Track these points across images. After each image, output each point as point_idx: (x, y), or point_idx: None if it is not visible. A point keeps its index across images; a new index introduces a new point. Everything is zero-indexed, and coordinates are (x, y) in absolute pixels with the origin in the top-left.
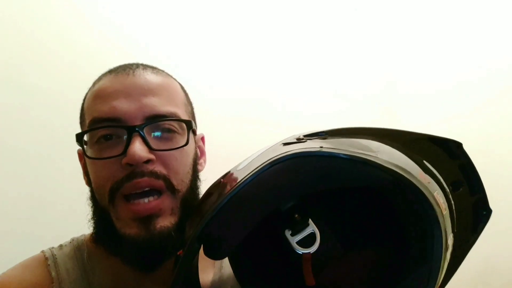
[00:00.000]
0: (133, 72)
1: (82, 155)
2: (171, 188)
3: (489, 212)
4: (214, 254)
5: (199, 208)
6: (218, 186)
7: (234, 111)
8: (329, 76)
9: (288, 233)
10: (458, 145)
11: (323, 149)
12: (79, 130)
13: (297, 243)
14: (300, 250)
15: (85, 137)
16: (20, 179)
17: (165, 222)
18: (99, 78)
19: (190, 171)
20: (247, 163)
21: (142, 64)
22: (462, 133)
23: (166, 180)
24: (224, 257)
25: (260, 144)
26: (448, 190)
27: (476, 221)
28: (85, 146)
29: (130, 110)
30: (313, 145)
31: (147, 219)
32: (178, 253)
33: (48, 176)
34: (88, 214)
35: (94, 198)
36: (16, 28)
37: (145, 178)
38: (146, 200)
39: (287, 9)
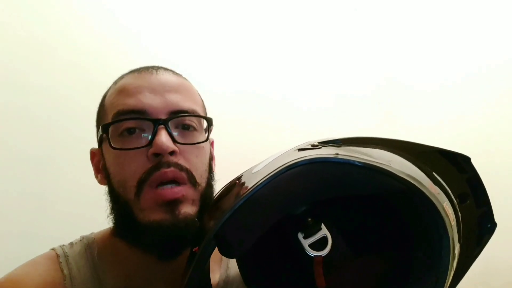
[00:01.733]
0: (156, 71)
1: (95, 154)
2: (192, 180)
3: (494, 225)
4: (228, 253)
5: (215, 206)
6: (233, 187)
7: (234, 110)
8: (329, 76)
9: (301, 236)
10: (467, 159)
11: (339, 156)
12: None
13: (309, 246)
14: (312, 253)
15: (109, 131)
16: (21, 178)
17: (188, 209)
18: (121, 77)
19: (207, 169)
20: (263, 166)
21: (162, 67)
22: (462, 133)
23: (189, 172)
24: (238, 256)
25: (261, 143)
26: (455, 202)
27: (481, 233)
28: (110, 139)
29: (155, 104)
30: (329, 152)
31: (172, 203)
32: (193, 250)
33: (50, 176)
34: (106, 210)
35: (114, 193)
36: (17, 28)
37: (172, 169)
38: (170, 186)
39: (287, 9)
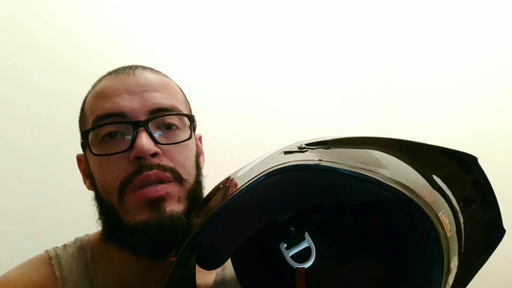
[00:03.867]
0: (133, 71)
1: (81, 160)
2: (178, 178)
3: (502, 232)
4: (207, 265)
5: (197, 212)
6: (216, 191)
7: (234, 109)
8: (329, 76)
9: (283, 247)
10: (473, 159)
11: (322, 163)
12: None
13: (292, 257)
14: (295, 265)
15: (89, 137)
16: (22, 178)
17: (174, 207)
18: (99, 80)
19: (194, 166)
20: (247, 169)
21: (141, 66)
22: (462, 132)
23: (173, 171)
24: (218, 267)
25: (259, 142)
26: (458, 207)
27: (488, 240)
28: (90, 146)
29: (134, 105)
30: (312, 157)
31: (156, 202)
32: (172, 260)
33: (51, 176)
34: (94, 215)
35: (99, 198)
36: (17, 28)
37: (154, 171)
38: (151, 186)
39: (287, 9)
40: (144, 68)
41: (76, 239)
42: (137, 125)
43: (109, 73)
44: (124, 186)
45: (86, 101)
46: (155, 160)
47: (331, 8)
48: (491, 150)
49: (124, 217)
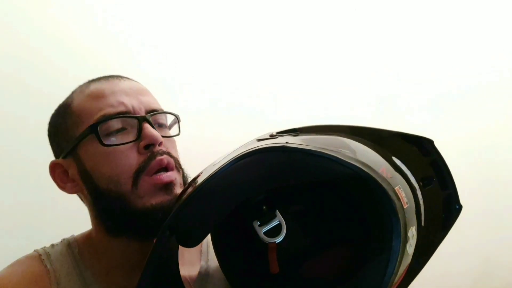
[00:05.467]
0: (122, 78)
1: (57, 166)
2: (178, 166)
3: (460, 207)
4: (185, 243)
5: (179, 197)
6: (196, 178)
7: (233, 109)
8: (329, 76)
9: (256, 224)
10: (430, 142)
11: (287, 145)
12: None
13: (265, 233)
14: (267, 240)
15: (98, 132)
16: (21, 178)
17: (180, 190)
18: (87, 85)
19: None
20: (222, 158)
21: (124, 76)
22: (463, 135)
23: (175, 159)
24: (196, 245)
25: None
26: (417, 185)
27: (447, 216)
28: (99, 138)
29: (134, 104)
30: (281, 141)
31: (169, 186)
32: (154, 240)
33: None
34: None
35: (98, 192)
36: (17, 29)
37: (165, 156)
38: (164, 172)
39: (287, 9)
40: (127, 77)
41: (63, 239)
42: (142, 119)
43: (95, 80)
44: (139, 173)
45: (74, 104)
46: (162, 148)
47: (331, 8)
48: (490, 153)
49: (137, 202)
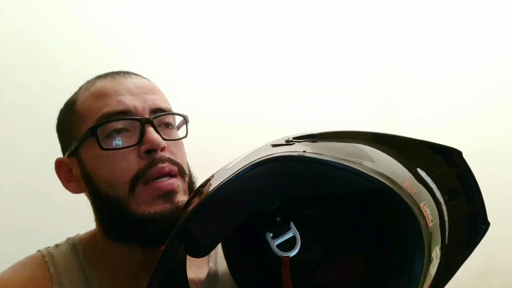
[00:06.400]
0: (129, 75)
1: (63, 163)
2: (182, 172)
3: (487, 225)
4: (194, 253)
5: (188, 202)
6: (207, 183)
7: (233, 109)
8: (328, 76)
9: (269, 236)
10: (458, 153)
11: (305, 154)
12: None
13: (278, 246)
14: (280, 254)
15: (98, 133)
16: (22, 178)
17: (183, 198)
18: (93, 83)
19: (187, 162)
20: (235, 162)
21: (132, 72)
22: (464, 137)
23: (179, 165)
24: (205, 255)
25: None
26: (442, 200)
27: (472, 233)
28: (98, 141)
29: (137, 104)
30: (298, 149)
31: (170, 194)
32: (161, 248)
33: (49, 175)
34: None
35: (99, 195)
36: (16, 29)
37: (166, 163)
38: (165, 179)
39: (287, 8)
40: (135, 74)
41: (68, 239)
42: (145, 121)
43: (103, 76)
44: (137, 179)
45: (79, 103)
46: (164, 154)
47: (331, 8)
48: (490, 154)
49: (135, 209)
